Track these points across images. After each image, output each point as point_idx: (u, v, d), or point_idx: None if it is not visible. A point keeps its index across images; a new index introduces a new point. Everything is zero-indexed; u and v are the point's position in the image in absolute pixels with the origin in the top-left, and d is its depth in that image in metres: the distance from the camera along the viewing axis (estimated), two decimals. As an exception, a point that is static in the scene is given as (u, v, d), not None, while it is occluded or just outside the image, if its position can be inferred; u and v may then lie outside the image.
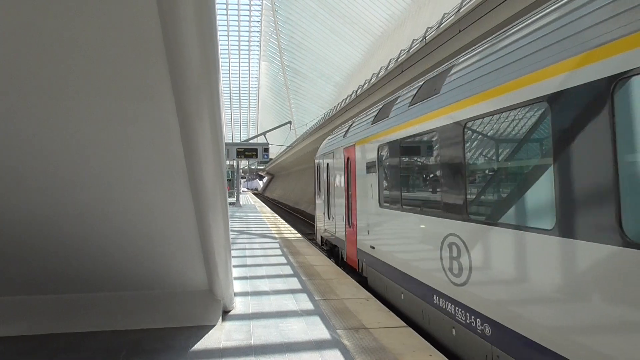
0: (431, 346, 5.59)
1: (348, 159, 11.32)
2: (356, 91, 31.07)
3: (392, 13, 38.30)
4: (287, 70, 74.08)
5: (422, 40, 19.04)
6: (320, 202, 16.16)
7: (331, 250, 14.52)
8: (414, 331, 6.17)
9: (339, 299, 7.92)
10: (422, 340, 5.80)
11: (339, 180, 12.32)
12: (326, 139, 15.97)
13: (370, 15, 41.20)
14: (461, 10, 15.64)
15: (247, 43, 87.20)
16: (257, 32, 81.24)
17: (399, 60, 22.18)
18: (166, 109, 4.14)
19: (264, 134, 45.33)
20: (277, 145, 65.96)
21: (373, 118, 9.72)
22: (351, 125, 12.31)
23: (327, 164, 14.24)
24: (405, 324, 6.47)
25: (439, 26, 17.57)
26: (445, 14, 17.34)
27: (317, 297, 8.03)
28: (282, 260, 12.01)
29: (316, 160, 16.80)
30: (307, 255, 12.76)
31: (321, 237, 16.36)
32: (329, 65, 56.08)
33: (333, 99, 54.02)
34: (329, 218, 14.14)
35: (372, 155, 9.13)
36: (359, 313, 7.03)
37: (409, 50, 20.98)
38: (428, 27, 18.97)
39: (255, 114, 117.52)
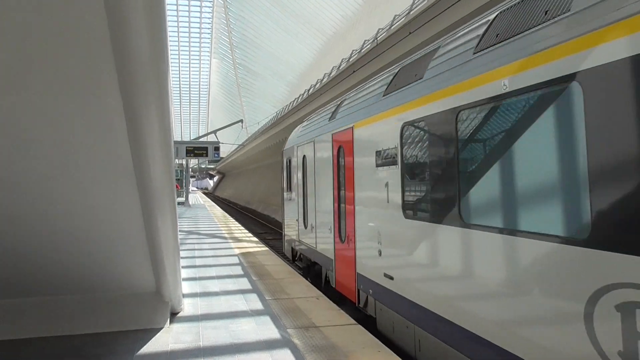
0: (380, 343, 5.68)
1: (340, 148, 8.40)
2: (308, 90, 31.16)
3: (344, 14, 38.59)
4: (238, 68, 73.25)
5: (374, 41, 19.31)
6: (291, 204, 12.76)
7: (309, 268, 11.43)
8: (363, 328, 6.25)
9: (290, 298, 7.91)
10: (372, 337, 5.88)
11: (324, 177, 9.39)
12: (300, 126, 12.87)
13: (323, 15, 41.36)
14: (411, 13, 15.96)
15: (197, 39, 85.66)
16: (209, 28, 79.95)
17: (350, 60, 22.41)
18: (112, 105, 4.01)
19: (214, 132, 44.70)
20: (228, 144, 65.19)
21: (385, 87, 6.86)
22: (341, 103, 9.29)
23: (304, 156, 11.08)
24: (354, 322, 6.55)
25: (390, 27, 17.86)
26: (396, 15, 17.64)
27: (268, 296, 8.00)
28: (233, 260, 11.88)
29: (285, 154, 13.61)
30: (258, 255, 12.69)
31: (292, 248, 13.02)
32: (281, 63, 55.87)
33: (285, 97, 53.87)
34: (306, 226, 10.94)
35: (389, 140, 6.26)
36: (309, 312, 7.06)
37: (360, 50, 21.23)
38: (379, 29, 19.25)
39: (206, 112, 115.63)
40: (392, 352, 5.35)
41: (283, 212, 14.17)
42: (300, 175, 11.53)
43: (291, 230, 12.94)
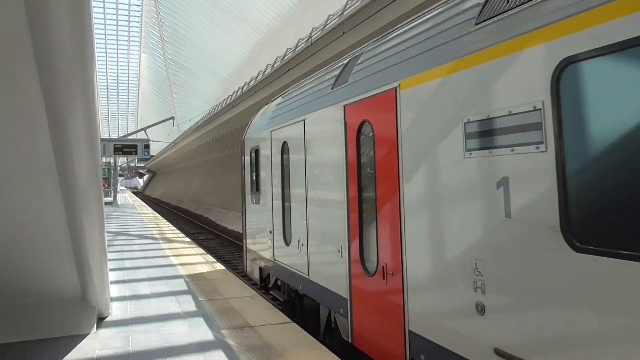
0: (315, 340, 5.73)
1: (363, 125, 5.45)
2: (242, 87, 30.83)
3: (279, 11, 38.48)
4: (170, 63, 71.18)
5: (308, 40, 19.39)
6: (259, 211, 9.46)
7: (294, 301, 8.25)
8: (298, 326, 6.27)
9: (224, 298, 7.80)
10: (307, 334, 5.92)
11: (327, 171, 6.38)
12: (274, 103, 9.59)
13: (257, 12, 41.03)
14: (345, 13, 16.17)
15: (126, 32, 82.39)
16: (138, 21, 77.12)
17: (285, 58, 22.38)
18: (32, 101, 3.78)
19: (144, 129, 43.14)
20: (159, 142, 63.26)
21: (479, 9, 3.98)
22: (355, 58, 6.24)
23: (284, 143, 7.96)
24: (290, 320, 6.56)
25: (324, 27, 18.01)
26: (330, 15, 17.81)
27: (201, 297, 7.84)
28: (164, 261, 11.56)
29: (247, 143, 10.38)
30: (191, 256, 12.42)
31: (261, 269, 9.76)
32: (214, 60, 54.84)
33: (219, 94, 52.95)
34: (288, 242, 7.82)
35: (510, 98, 3.48)
36: (244, 312, 6.99)
37: (295, 49, 21.25)
38: (314, 28, 19.36)
39: (135, 109, 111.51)
40: (327, 349, 5.41)
41: (244, 220, 10.72)
42: (277, 170, 8.27)
43: (259, 246, 9.48)
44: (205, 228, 32.55)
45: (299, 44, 20.83)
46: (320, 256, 6.64)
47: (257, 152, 9.63)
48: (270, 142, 8.63)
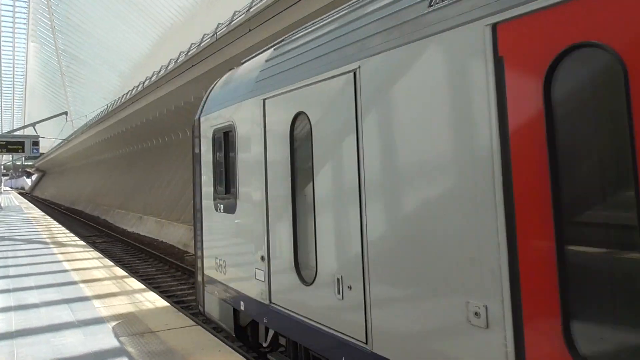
0: (221, 342, 5.59)
1: (561, 62, 2.48)
2: (143, 82, 29.51)
3: (182, 4, 37.23)
4: (62, 54, 66.36)
5: (213, 35, 18.94)
6: (235, 224, 6.08)
7: None
8: (202, 329, 6.09)
9: (123, 303, 7.38)
10: (212, 337, 5.77)
11: (426, 164, 3.28)
12: (263, 55, 6.05)
13: (160, 4, 39.45)
14: (251, 10, 15.98)
15: (10, 19, 75.51)
16: (25, 7, 71.01)
17: (189, 54, 21.71)
18: None
19: (32, 125, 39.84)
20: (50, 139, 58.76)
21: None
22: None
23: (295, 117, 4.89)
24: (194, 323, 6.35)
25: (230, 23, 17.68)
26: (236, 11, 17.52)
27: (98, 304, 7.37)
28: (56, 267, 10.74)
29: (206, 123, 6.99)
30: (86, 260, 11.67)
31: (236, 312, 6.19)
32: (113, 52, 51.94)
33: (118, 89, 50.22)
34: (309, 281, 4.57)
35: None
36: (145, 317, 6.65)
37: (199, 44, 20.67)
38: (219, 23, 18.95)
39: (22, 102, 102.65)
40: (233, 350, 5.30)
41: (199, 235, 7.14)
42: (280, 160, 5.14)
43: (233, 274, 6.10)
44: (102, 230, 30.75)
45: (204, 39, 20.29)
46: (407, 316, 3.50)
47: (228, 135, 6.39)
48: (263, 117, 5.48)
